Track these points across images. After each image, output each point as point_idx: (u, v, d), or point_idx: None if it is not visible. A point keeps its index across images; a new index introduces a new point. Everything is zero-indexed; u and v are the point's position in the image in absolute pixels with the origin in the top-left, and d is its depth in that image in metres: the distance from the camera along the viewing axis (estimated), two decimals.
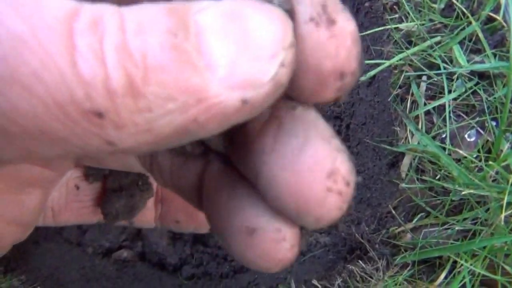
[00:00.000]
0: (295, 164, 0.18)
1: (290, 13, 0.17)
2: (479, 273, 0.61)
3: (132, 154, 0.27)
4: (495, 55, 0.69)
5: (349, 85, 0.18)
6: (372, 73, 0.80)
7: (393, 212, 0.75)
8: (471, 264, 0.61)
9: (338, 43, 0.17)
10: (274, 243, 0.20)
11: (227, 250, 0.22)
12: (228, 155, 0.23)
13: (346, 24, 0.17)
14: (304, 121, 0.19)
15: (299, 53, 0.17)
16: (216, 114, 0.15)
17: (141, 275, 0.97)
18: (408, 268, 0.70)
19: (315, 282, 0.74)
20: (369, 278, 0.70)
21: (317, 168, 0.18)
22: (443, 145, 0.71)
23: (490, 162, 0.62)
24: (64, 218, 0.31)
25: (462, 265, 0.62)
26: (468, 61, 0.71)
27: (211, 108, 0.15)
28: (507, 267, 0.57)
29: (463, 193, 0.62)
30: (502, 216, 0.57)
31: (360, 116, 0.97)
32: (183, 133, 0.15)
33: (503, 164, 0.66)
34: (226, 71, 0.15)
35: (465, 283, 0.61)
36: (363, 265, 0.74)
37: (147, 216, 0.32)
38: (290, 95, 0.19)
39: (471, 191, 0.62)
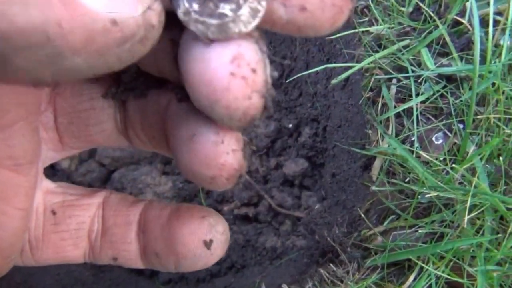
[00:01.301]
0: (205, 53, 0.19)
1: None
2: (445, 275, 0.61)
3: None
4: (462, 58, 0.70)
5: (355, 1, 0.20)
6: (343, 76, 0.80)
7: (363, 215, 0.75)
8: (437, 267, 0.62)
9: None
10: (213, 145, 0.20)
11: (179, 166, 0.22)
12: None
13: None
14: None
15: None
16: (83, 25, 0.15)
17: (118, 280, 0.97)
18: (377, 271, 0.70)
19: (285, 286, 0.74)
20: (339, 283, 0.70)
21: (222, 53, 0.18)
22: (412, 148, 0.72)
23: (453, 165, 0.62)
24: (45, 255, 0.28)
25: (429, 266, 0.63)
26: (436, 64, 0.71)
27: (77, 17, 0.15)
28: (469, 269, 0.57)
29: (427, 195, 0.62)
30: (465, 218, 0.57)
31: (336, 119, 0.98)
32: (42, 35, 0.14)
33: (471, 166, 0.66)
34: None
35: (430, 285, 0.61)
36: (334, 268, 0.74)
37: (131, 251, 0.29)
38: (304, 32, 0.20)
39: (437, 193, 0.62)
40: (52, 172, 0.89)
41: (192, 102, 0.20)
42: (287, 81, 1.11)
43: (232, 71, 0.18)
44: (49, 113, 0.26)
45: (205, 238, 0.26)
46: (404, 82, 0.73)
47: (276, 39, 1.15)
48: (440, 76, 0.70)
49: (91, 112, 0.26)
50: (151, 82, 0.25)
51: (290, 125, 1.10)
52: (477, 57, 0.63)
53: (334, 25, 0.20)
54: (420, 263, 0.61)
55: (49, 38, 0.15)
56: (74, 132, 0.27)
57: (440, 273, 0.58)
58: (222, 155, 0.21)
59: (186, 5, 0.18)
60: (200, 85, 0.19)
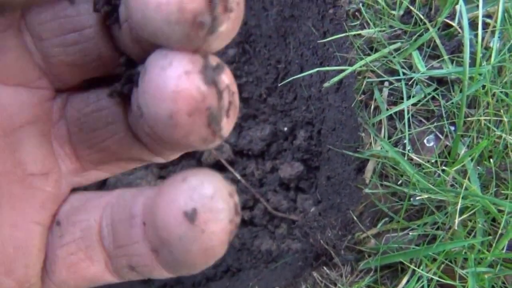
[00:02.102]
0: None
1: None
2: (436, 278, 0.61)
3: None
4: (452, 61, 0.70)
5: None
6: (335, 79, 0.81)
7: (356, 218, 0.75)
8: (429, 270, 0.62)
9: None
10: (161, 71, 0.17)
11: (149, 126, 0.19)
12: None
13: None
14: None
15: None
16: None
17: (112, 284, 0.96)
18: (371, 274, 0.70)
19: None
20: (332, 286, 0.70)
21: None
22: (404, 151, 0.72)
23: (444, 167, 0.62)
24: (61, 277, 0.23)
25: (422, 270, 0.63)
26: (427, 66, 0.71)
27: None
28: (461, 272, 0.57)
29: (417, 198, 0.62)
30: (456, 220, 0.58)
31: (330, 122, 0.98)
32: None
33: (462, 168, 0.66)
34: None
35: (422, 287, 0.61)
36: (327, 271, 0.74)
37: (142, 254, 0.22)
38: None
39: (428, 196, 0.62)
40: None
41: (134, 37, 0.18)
42: (281, 84, 1.11)
43: None
44: (62, 124, 0.24)
45: (185, 208, 0.18)
46: (396, 85, 0.74)
47: (270, 43, 1.16)
48: (431, 78, 0.71)
49: (99, 114, 0.23)
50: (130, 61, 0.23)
51: (285, 129, 1.11)
52: (466, 60, 0.63)
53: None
54: (412, 266, 0.61)
55: None
56: (86, 140, 0.24)
57: (429, 275, 0.58)
58: (171, 79, 0.17)
59: None
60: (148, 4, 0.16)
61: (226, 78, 0.18)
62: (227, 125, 0.18)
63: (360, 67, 0.77)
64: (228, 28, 0.17)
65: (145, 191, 0.22)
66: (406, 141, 0.70)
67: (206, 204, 0.18)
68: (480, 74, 0.65)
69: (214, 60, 0.18)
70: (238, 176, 1.05)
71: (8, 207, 0.21)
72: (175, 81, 0.17)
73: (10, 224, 0.21)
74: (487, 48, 0.69)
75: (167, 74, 0.17)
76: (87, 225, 0.23)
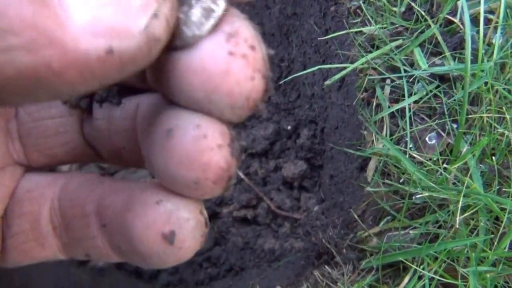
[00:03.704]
0: (195, 39, 0.16)
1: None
2: (438, 277, 0.61)
3: None
4: (454, 58, 0.69)
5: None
6: (336, 77, 0.80)
7: (358, 216, 0.75)
8: (431, 269, 0.61)
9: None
10: (194, 141, 0.17)
11: (155, 174, 0.19)
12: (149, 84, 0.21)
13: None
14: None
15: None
16: (76, 62, 0.13)
17: (118, 284, 0.97)
18: (372, 273, 0.69)
19: None
20: (334, 286, 0.70)
21: (215, 33, 0.16)
22: (406, 149, 0.71)
23: (446, 165, 0.61)
24: (12, 259, 0.24)
25: (423, 268, 0.62)
26: (429, 63, 0.71)
27: (68, 54, 0.13)
28: (463, 271, 0.57)
29: (418, 196, 0.62)
30: (457, 219, 0.57)
31: (333, 120, 0.98)
32: (36, 80, 0.13)
33: (465, 166, 0.65)
34: (88, 15, 0.13)
35: (424, 287, 0.61)
36: (329, 270, 0.74)
37: (99, 247, 0.24)
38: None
39: (430, 194, 0.62)
40: None
41: (177, 100, 0.18)
42: (284, 81, 1.11)
43: (231, 50, 0.16)
44: (14, 123, 0.24)
45: (164, 230, 0.19)
46: (398, 82, 0.73)
47: (273, 41, 1.15)
48: (433, 75, 0.70)
49: (50, 122, 0.23)
50: (123, 89, 0.23)
51: (289, 127, 1.10)
52: (468, 56, 0.63)
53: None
54: (414, 266, 0.60)
55: (40, 81, 0.13)
56: (35, 144, 0.24)
57: (434, 275, 0.58)
58: (204, 151, 0.17)
59: None
60: (192, 75, 0.16)
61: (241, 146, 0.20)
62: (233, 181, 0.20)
63: (362, 64, 0.76)
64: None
65: (95, 189, 0.23)
66: (407, 139, 0.69)
67: (183, 226, 0.20)
68: (482, 71, 0.64)
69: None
70: (242, 175, 1.05)
71: None
72: (208, 154, 0.17)
73: None
74: (489, 44, 0.68)
75: (200, 146, 0.17)
76: (36, 217, 0.23)
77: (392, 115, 0.76)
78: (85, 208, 0.22)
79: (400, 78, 0.72)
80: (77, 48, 0.13)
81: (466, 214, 0.61)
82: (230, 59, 0.16)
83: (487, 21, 0.69)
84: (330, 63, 0.88)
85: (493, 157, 0.62)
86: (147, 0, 0.14)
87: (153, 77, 0.19)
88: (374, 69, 0.76)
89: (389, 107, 0.75)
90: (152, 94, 0.22)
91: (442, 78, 0.70)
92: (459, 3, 0.69)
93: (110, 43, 0.13)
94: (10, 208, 0.24)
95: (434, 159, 0.67)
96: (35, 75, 0.13)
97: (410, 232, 0.67)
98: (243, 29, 0.16)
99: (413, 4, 0.71)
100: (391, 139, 0.72)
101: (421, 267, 0.63)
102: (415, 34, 0.71)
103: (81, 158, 0.25)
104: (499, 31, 0.66)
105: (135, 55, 0.14)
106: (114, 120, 0.23)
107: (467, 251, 0.62)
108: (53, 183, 0.24)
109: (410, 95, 0.71)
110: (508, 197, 0.60)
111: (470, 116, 0.66)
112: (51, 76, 0.13)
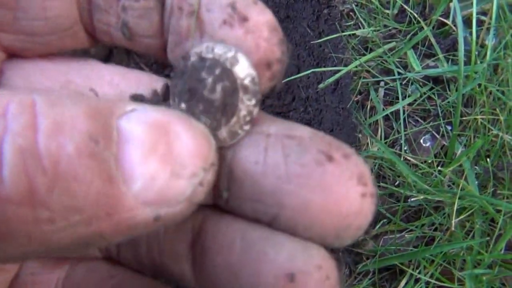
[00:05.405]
0: (323, 181, 0.17)
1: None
2: (435, 280, 0.61)
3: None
4: (448, 59, 0.69)
5: (279, 72, 0.18)
6: (330, 80, 0.80)
7: None
8: (427, 272, 0.61)
9: (255, 36, 0.17)
10: (319, 284, 0.17)
11: None
12: (220, 204, 0.19)
13: (260, 16, 0.17)
14: (309, 137, 0.18)
15: None
16: (125, 228, 0.14)
17: None
18: (369, 277, 0.69)
19: None
20: None
21: (345, 177, 0.17)
22: (401, 152, 0.71)
23: (440, 168, 0.61)
24: None
25: (419, 272, 0.62)
26: (422, 65, 0.71)
27: (121, 223, 0.13)
28: (458, 274, 0.56)
29: (413, 199, 0.62)
30: (453, 221, 0.57)
31: (328, 123, 0.97)
32: (83, 244, 0.13)
33: (460, 168, 0.65)
34: (144, 186, 0.14)
35: None
36: None
37: None
38: None
39: (425, 196, 0.62)
40: None
41: (297, 233, 0.17)
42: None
43: (363, 192, 0.17)
44: None
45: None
46: (392, 85, 0.73)
47: None
48: (426, 77, 0.70)
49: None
50: None
51: None
52: (461, 58, 0.62)
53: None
54: (410, 270, 0.60)
55: (88, 245, 0.14)
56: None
57: (430, 279, 0.57)
58: None
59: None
60: (327, 217, 0.17)
61: None
62: None
63: (356, 67, 0.76)
64: None
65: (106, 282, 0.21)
66: (402, 141, 0.69)
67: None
68: (475, 73, 0.64)
69: None
70: None
71: None
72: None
73: None
74: (482, 46, 0.68)
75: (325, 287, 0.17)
76: None
77: (386, 118, 0.76)
78: None
79: (394, 80, 0.72)
80: (131, 218, 0.13)
81: (461, 217, 0.61)
82: (362, 200, 0.17)
83: (480, 23, 0.69)
84: (324, 66, 0.88)
85: (488, 159, 0.62)
86: (196, 169, 0.14)
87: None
88: (368, 71, 0.76)
89: (383, 109, 0.75)
90: (217, 217, 0.20)
91: (436, 80, 0.70)
92: (451, 4, 0.69)
93: (159, 211, 0.14)
94: None
95: (429, 161, 0.67)
96: (85, 242, 0.13)
97: (406, 235, 0.67)
98: (366, 169, 0.17)
99: (405, 6, 0.71)
100: (385, 142, 0.72)
101: (418, 270, 0.63)
102: (408, 36, 0.71)
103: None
104: (491, 32, 0.66)
105: (175, 218, 0.15)
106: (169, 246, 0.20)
107: (463, 254, 0.62)
108: (57, 266, 0.22)
109: (404, 97, 0.71)
110: (503, 198, 0.60)
111: (464, 118, 0.66)
112: (99, 240, 0.14)
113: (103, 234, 0.13)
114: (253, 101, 0.18)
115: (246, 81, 0.17)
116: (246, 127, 0.18)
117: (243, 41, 0.17)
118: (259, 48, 0.17)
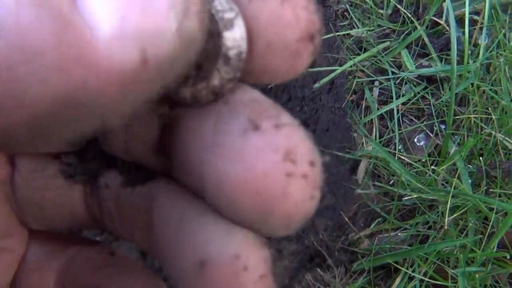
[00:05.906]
0: (242, 153, 0.14)
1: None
2: (428, 278, 0.61)
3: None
4: (442, 59, 0.70)
5: (319, 44, 0.16)
6: (325, 80, 0.81)
7: (350, 218, 0.75)
8: (421, 271, 0.61)
9: (293, 5, 0.14)
10: (233, 275, 0.15)
11: None
12: (170, 173, 0.18)
13: None
14: (244, 103, 0.15)
15: (257, 35, 0.15)
16: (112, 77, 0.12)
17: None
18: (364, 275, 0.70)
19: None
20: None
21: (268, 150, 0.14)
22: (395, 151, 0.71)
23: (434, 167, 0.62)
24: None
25: (413, 270, 0.63)
26: (416, 65, 0.71)
27: (102, 70, 0.12)
28: (451, 272, 0.57)
29: (406, 198, 0.62)
30: (446, 220, 0.57)
31: (324, 123, 0.98)
32: (73, 106, 0.12)
33: (453, 167, 0.66)
34: (114, 25, 0.12)
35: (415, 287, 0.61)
36: (321, 273, 0.74)
37: None
38: (261, 80, 0.16)
39: (419, 195, 0.62)
40: None
41: (222, 213, 0.15)
42: (275, 84, 1.11)
43: (289, 171, 0.14)
44: (9, 186, 0.21)
45: None
46: (386, 84, 0.73)
47: None
48: (420, 77, 0.70)
49: (46, 194, 0.20)
50: (132, 170, 0.20)
51: None
52: (454, 58, 0.63)
53: (292, 72, 0.15)
54: (404, 269, 0.60)
55: (78, 107, 0.12)
56: (32, 213, 0.21)
57: (424, 276, 0.58)
58: (246, 285, 0.15)
59: None
60: (243, 196, 0.14)
61: None
62: None
63: (350, 67, 0.77)
64: None
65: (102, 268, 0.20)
66: (396, 140, 0.69)
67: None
68: (468, 72, 0.65)
69: None
70: None
71: None
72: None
73: None
74: (475, 45, 0.69)
75: (241, 280, 0.15)
76: None
77: (381, 117, 0.76)
78: None
79: (388, 80, 0.73)
80: (111, 60, 0.12)
81: (455, 215, 0.61)
82: (288, 181, 0.14)
83: (473, 22, 0.70)
84: (319, 66, 0.89)
85: (481, 158, 0.63)
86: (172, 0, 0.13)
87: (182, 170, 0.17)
88: (362, 71, 0.76)
89: (378, 109, 0.75)
90: (170, 187, 0.18)
91: (430, 80, 0.71)
92: (444, 4, 0.69)
93: (144, 50, 0.12)
94: (19, 276, 0.21)
95: (423, 160, 0.68)
96: (72, 100, 0.12)
97: (400, 233, 0.67)
98: (301, 143, 0.14)
99: (399, 6, 0.71)
100: (380, 141, 0.72)
101: (412, 268, 0.63)
102: (402, 36, 0.71)
103: (86, 227, 0.22)
104: (484, 31, 0.66)
105: (172, 59, 0.13)
106: (124, 205, 0.20)
107: (457, 252, 0.63)
108: (56, 257, 0.21)
109: (398, 96, 0.72)
110: (496, 197, 0.61)
111: (457, 117, 0.66)
112: (90, 99, 0.12)
113: (87, 87, 0.12)
114: (230, 75, 0.16)
115: (231, 53, 0.15)
116: (210, 98, 0.16)
117: (279, 14, 0.14)
118: (299, 20, 0.14)
